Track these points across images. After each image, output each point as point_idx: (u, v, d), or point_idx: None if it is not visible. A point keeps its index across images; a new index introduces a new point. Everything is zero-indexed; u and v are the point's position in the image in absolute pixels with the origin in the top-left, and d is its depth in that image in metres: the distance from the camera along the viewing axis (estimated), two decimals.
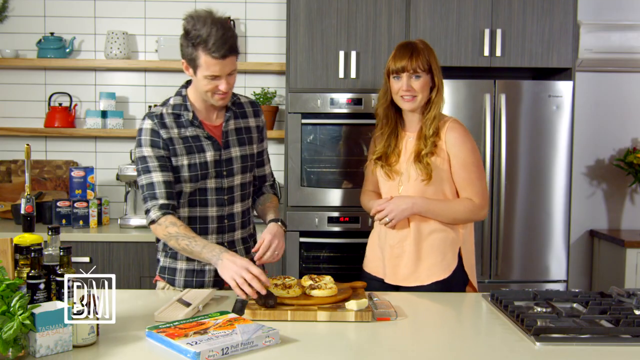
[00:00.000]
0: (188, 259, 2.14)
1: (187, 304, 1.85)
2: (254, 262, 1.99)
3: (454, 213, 2.22)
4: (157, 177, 2.04)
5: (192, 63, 2.01)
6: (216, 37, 1.95)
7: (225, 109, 2.19)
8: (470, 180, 2.22)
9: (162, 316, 1.76)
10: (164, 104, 2.14)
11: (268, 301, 1.80)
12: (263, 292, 1.79)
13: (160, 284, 2.22)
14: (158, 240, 2.19)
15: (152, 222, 2.03)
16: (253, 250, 2.09)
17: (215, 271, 2.07)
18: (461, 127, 2.25)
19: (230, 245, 2.18)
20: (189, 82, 2.18)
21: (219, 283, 2.16)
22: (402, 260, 2.24)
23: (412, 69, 2.19)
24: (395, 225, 2.22)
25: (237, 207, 2.20)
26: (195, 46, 1.97)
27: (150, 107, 3.76)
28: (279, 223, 2.15)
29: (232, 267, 1.85)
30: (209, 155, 2.10)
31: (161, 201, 2.03)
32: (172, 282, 2.17)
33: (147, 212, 2.05)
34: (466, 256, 2.27)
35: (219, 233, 2.16)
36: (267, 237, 2.06)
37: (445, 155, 2.22)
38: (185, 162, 2.07)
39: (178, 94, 2.15)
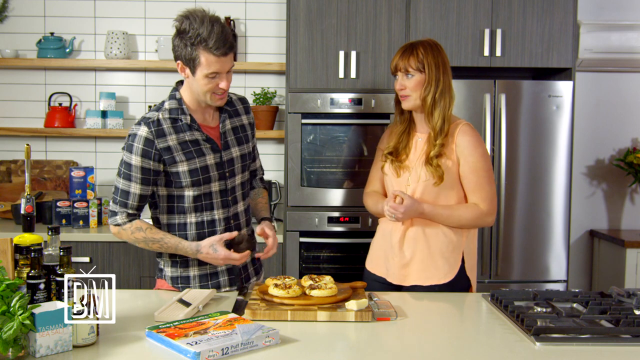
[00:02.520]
0: (200, 265, 2.15)
1: (187, 304, 1.85)
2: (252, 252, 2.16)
3: (459, 219, 2.21)
4: (135, 188, 2.04)
5: (191, 63, 1.98)
6: (217, 35, 1.94)
7: (219, 110, 2.17)
8: (479, 185, 2.22)
9: (162, 316, 1.76)
10: (158, 108, 2.09)
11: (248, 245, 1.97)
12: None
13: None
14: (159, 255, 2.20)
15: (117, 225, 2.08)
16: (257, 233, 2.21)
17: (229, 270, 2.18)
18: (473, 132, 2.24)
19: (238, 244, 2.17)
20: (179, 84, 2.15)
21: (234, 281, 2.19)
22: (405, 261, 2.24)
23: (404, 68, 2.21)
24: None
25: (240, 207, 2.21)
26: (195, 45, 1.95)
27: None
28: (273, 222, 2.30)
29: (212, 259, 2.04)
30: (209, 158, 2.09)
31: (130, 211, 2.07)
32: None
33: (112, 213, 2.09)
34: (469, 261, 2.26)
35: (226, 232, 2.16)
36: (272, 234, 2.19)
37: (455, 158, 2.21)
38: (186, 167, 2.05)
39: (172, 97, 2.10)
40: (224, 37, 1.95)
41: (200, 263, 2.14)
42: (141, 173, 2.02)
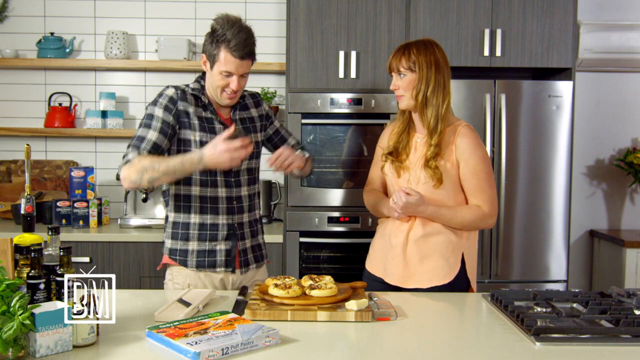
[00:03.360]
0: (199, 240, 2.23)
1: (187, 304, 1.86)
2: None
3: (462, 221, 2.20)
4: (152, 135, 2.14)
5: (212, 58, 2.15)
6: (239, 39, 2.12)
7: (230, 107, 2.31)
8: (480, 188, 2.21)
9: (162, 316, 1.76)
10: (186, 85, 2.27)
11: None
12: (250, 149, 2.02)
13: (171, 269, 2.26)
14: (165, 226, 2.29)
15: (127, 162, 2.09)
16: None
17: (227, 251, 2.24)
18: (473, 133, 2.22)
19: (239, 227, 2.28)
20: (203, 75, 2.29)
21: (230, 263, 2.25)
22: (404, 261, 2.23)
23: (396, 67, 2.22)
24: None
25: (244, 191, 2.30)
26: (218, 43, 2.12)
27: None
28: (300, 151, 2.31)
29: (217, 156, 2.00)
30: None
31: (142, 153, 2.11)
32: (184, 263, 2.24)
33: (125, 156, 2.12)
34: (469, 262, 2.25)
35: (228, 214, 2.25)
36: (281, 149, 2.22)
37: (454, 160, 2.20)
38: (198, 138, 2.18)
39: (197, 81, 2.28)
40: (245, 42, 2.13)
41: (200, 238, 2.22)
42: (161, 123, 2.15)
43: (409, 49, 2.22)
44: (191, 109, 2.20)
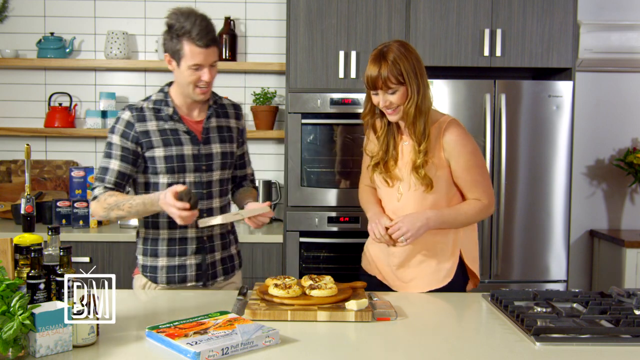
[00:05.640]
0: (169, 255, 2.19)
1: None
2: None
3: (466, 218, 2.16)
4: (114, 164, 2.13)
5: (177, 55, 2.08)
6: (200, 27, 2.04)
7: (207, 107, 2.24)
8: (475, 182, 2.16)
9: (205, 221, 2.01)
10: (146, 99, 2.21)
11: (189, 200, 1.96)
12: (195, 213, 1.99)
13: (141, 279, 2.24)
14: (137, 241, 2.25)
15: (94, 198, 2.12)
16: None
17: (197, 265, 2.20)
18: (459, 128, 2.14)
19: (209, 240, 2.23)
20: (171, 83, 2.24)
21: (201, 277, 2.21)
22: (399, 266, 2.20)
23: (384, 85, 2.04)
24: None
25: (216, 202, 2.24)
26: (179, 37, 2.06)
27: None
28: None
29: (167, 209, 1.98)
30: (187, 148, 2.16)
31: (107, 185, 2.13)
32: (154, 280, 2.21)
33: (92, 191, 2.16)
34: (467, 254, 2.22)
35: (197, 227, 2.18)
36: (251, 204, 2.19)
37: (443, 159, 2.13)
38: (162, 153, 2.13)
39: (161, 90, 2.22)
40: (207, 30, 2.06)
41: (169, 254, 2.18)
42: (120, 151, 2.12)
43: (387, 58, 2.04)
44: (151, 126, 2.13)
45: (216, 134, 2.23)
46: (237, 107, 2.36)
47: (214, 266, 2.24)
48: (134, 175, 2.17)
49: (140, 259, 2.23)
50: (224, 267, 2.29)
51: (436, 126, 2.14)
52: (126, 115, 2.15)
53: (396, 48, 2.07)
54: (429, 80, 2.22)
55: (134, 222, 3.43)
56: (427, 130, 2.10)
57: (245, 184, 2.43)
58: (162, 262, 2.19)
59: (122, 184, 2.14)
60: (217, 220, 2.04)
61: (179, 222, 1.98)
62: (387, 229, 2.11)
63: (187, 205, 1.94)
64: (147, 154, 2.13)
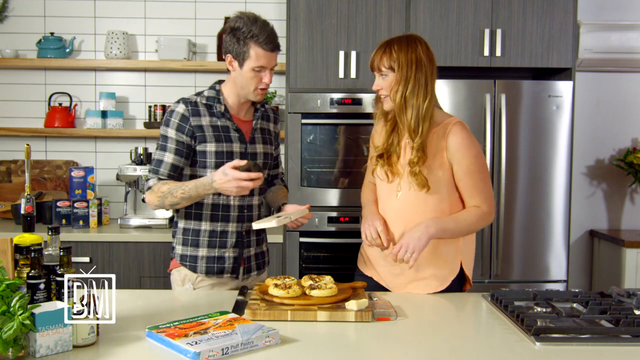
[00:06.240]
0: (209, 246, 2.25)
1: (279, 216, 2.12)
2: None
3: (467, 226, 2.13)
4: (168, 157, 2.18)
5: (241, 56, 2.16)
6: (267, 32, 2.15)
7: (253, 108, 2.33)
8: (477, 188, 2.13)
9: (259, 224, 2.07)
10: (198, 94, 2.27)
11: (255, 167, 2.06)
12: (258, 183, 2.07)
13: (180, 271, 2.28)
14: (175, 232, 2.31)
15: (149, 188, 2.19)
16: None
17: (234, 258, 2.27)
18: (464, 132, 2.11)
19: (247, 235, 2.30)
20: (219, 82, 2.31)
21: (237, 270, 2.28)
22: (396, 271, 2.18)
23: (377, 67, 2.14)
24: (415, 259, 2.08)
25: (256, 200, 2.34)
26: (246, 40, 2.13)
27: (150, 107, 3.76)
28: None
29: (226, 184, 2.05)
30: (235, 146, 2.23)
31: (161, 177, 2.19)
32: (194, 269, 2.26)
33: (147, 182, 2.22)
34: (465, 262, 2.21)
35: (238, 222, 2.27)
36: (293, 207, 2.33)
37: (446, 161, 2.12)
38: (213, 148, 2.19)
39: (212, 88, 2.28)
40: (273, 36, 2.17)
41: (210, 245, 2.24)
42: (175, 144, 2.18)
43: (390, 46, 2.12)
44: (204, 121, 2.20)
45: (260, 135, 2.32)
46: (275, 112, 2.45)
47: (249, 260, 2.32)
48: (186, 168, 2.23)
49: (180, 249, 2.28)
50: (257, 263, 2.36)
51: (441, 127, 2.13)
52: (181, 108, 2.20)
53: (404, 38, 2.15)
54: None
55: (135, 222, 3.44)
56: (422, 127, 2.09)
57: (276, 182, 2.54)
58: (202, 252, 2.25)
59: (175, 176, 2.20)
60: (271, 223, 2.07)
61: (235, 193, 2.05)
62: (379, 235, 2.14)
63: (253, 175, 2.03)
64: (199, 147, 2.19)
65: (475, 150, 2.13)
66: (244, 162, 2.05)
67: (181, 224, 2.29)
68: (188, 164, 2.22)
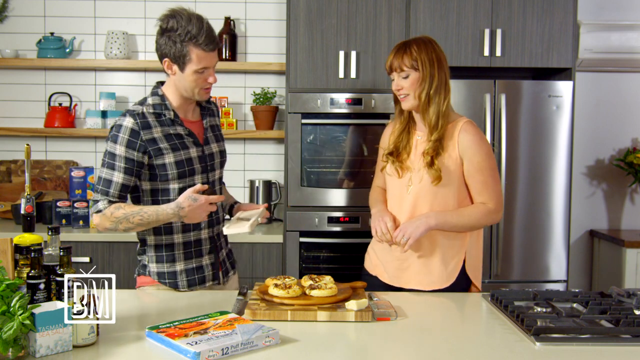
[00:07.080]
0: (186, 259, 2.17)
1: (247, 219, 2.08)
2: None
3: (470, 221, 2.16)
4: (118, 177, 2.05)
5: (181, 60, 2.04)
6: (206, 31, 2.03)
7: (199, 107, 2.24)
8: (486, 185, 2.17)
9: (231, 230, 2.03)
10: (142, 103, 2.13)
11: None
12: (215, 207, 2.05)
13: (159, 289, 2.18)
14: (145, 250, 2.19)
15: (99, 211, 2.04)
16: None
17: (212, 264, 2.21)
18: (475, 129, 2.18)
19: (218, 238, 2.26)
20: (159, 84, 2.19)
21: (217, 275, 2.23)
22: (404, 265, 2.22)
23: (399, 67, 2.17)
24: (412, 245, 2.13)
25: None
26: (184, 42, 2.02)
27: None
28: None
29: (198, 209, 2.00)
30: (192, 151, 2.14)
31: (111, 199, 2.06)
32: (174, 286, 2.16)
33: (94, 202, 2.08)
34: (470, 262, 2.22)
35: (209, 227, 2.21)
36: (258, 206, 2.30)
37: (457, 157, 2.16)
38: (172, 159, 2.09)
39: (154, 94, 2.14)
40: (212, 34, 2.05)
41: (186, 257, 2.16)
42: (125, 163, 2.04)
43: (409, 47, 2.18)
44: (156, 133, 2.07)
45: (212, 133, 2.24)
46: (215, 104, 2.35)
47: (224, 263, 2.29)
48: (143, 183, 2.12)
49: (154, 267, 2.16)
50: (230, 262, 2.34)
51: (453, 125, 2.20)
52: (129, 122, 2.05)
53: (420, 39, 2.21)
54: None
55: None
56: (441, 123, 2.16)
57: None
58: (179, 266, 2.16)
59: (124, 196, 2.09)
60: (244, 229, 2.04)
61: (203, 218, 2.03)
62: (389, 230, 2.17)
63: (215, 198, 2.02)
64: (157, 161, 2.07)
65: (486, 147, 2.19)
66: (206, 187, 2.01)
67: (151, 241, 2.16)
68: (136, 181, 2.10)
